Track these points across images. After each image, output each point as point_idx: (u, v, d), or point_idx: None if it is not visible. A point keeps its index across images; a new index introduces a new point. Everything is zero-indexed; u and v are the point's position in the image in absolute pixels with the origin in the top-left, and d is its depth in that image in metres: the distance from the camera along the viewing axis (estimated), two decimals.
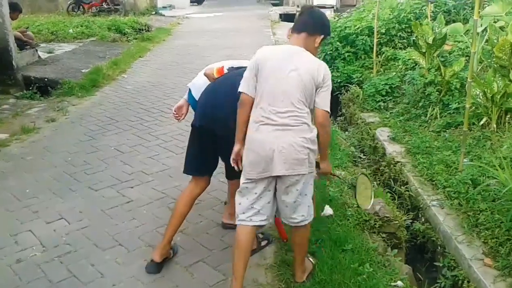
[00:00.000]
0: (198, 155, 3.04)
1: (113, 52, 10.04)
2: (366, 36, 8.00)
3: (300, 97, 2.51)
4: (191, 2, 21.25)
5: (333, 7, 16.71)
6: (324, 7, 16.65)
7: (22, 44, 8.43)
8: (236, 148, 2.68)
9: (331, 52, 8.00)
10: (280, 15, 17.25)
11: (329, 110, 2.58)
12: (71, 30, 11.77)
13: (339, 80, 7.65)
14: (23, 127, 5.59)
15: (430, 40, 5.91)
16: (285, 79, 2.52)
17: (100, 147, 5.06)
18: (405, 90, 6.32)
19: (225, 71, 3.11)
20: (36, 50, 8.98)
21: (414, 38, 6.69)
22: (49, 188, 4.12)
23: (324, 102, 2.56)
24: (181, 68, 8.93)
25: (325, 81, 2.57)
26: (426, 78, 5.77)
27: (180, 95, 7.07)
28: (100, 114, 6.23)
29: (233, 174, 2.91)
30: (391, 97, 6.50)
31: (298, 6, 18.03)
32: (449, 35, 6.40)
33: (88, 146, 5.08)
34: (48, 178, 4.34)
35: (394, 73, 6.89)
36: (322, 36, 2.71)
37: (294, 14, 17.13)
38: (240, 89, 2.61)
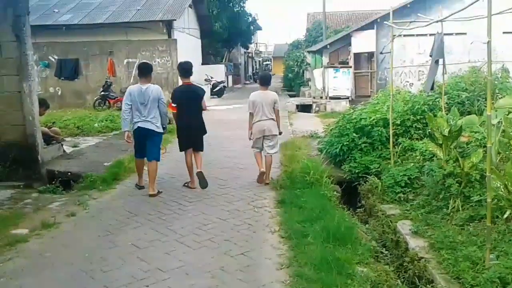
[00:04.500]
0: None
1: None
2: (382, 127, 8.15)
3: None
4: (211, 95, 22.19)
5: (348, 98, 17.21)
6: (339, 98, 17.24)
7: (48, 139, 8.76)
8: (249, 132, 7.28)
9: (347, 143, 8.11)
10: (297, 106, 17.78)
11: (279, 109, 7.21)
12: (96, 125, 12.28)
13: (356, 171, 7.67)
14: (43, 222, 5.64)
15: (446, 132, 5.98)
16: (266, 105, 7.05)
17: (118, 243, 5.05)
18: (424, 181, 6.28)
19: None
20: (62, 145, 9.32)
21: (429, 130, 6.77)
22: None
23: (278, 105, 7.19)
24: None
25: (276, 100, 7.06)
26: (445, 170, 5.76)
27: (199, 188, 7.16)
28: (120, 208, 6.28)
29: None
30: (410, 188, 6.46)
31: (314, 97, 18.66)
32: (465, 127, 6.47)
33: (106, 241, 5.07)
34: (65, 276, 4.30)
35: (412, 164, 6.90)
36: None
37: (310, 105, 17.71)
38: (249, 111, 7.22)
